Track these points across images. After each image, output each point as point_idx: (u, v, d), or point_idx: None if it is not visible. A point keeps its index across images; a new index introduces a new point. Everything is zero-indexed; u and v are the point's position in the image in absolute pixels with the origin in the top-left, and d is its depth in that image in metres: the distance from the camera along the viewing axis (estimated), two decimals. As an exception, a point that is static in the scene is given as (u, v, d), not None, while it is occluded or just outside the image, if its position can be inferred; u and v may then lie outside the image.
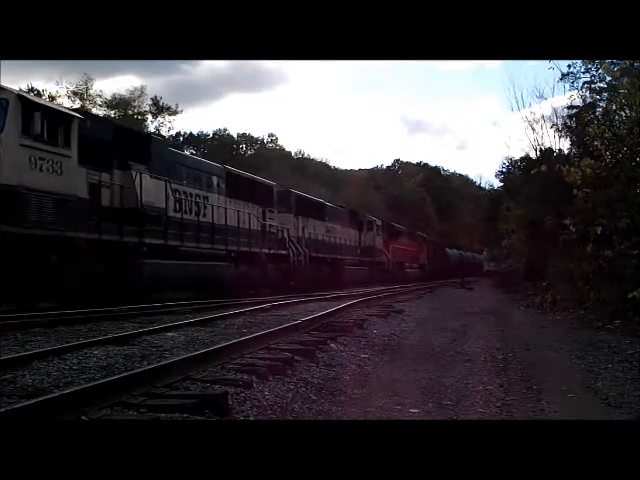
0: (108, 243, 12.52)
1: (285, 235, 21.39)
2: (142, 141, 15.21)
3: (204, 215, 16.26)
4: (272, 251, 19.94)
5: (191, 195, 15.94)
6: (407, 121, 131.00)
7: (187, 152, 38.19)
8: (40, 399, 3.49)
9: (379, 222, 34.16)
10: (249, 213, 18.64)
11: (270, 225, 20.36)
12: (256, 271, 18.53)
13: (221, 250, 16.74)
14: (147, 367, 4.86)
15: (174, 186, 15.08)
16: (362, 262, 30.26)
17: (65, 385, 4.46)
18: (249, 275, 17.91)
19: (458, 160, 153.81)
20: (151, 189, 13.96)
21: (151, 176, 14.04)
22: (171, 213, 14.79)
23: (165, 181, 14.55)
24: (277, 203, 21.38)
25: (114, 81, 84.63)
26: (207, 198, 16.57)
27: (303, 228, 23.24)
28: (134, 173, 13.46)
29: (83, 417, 3.45)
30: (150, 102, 48.25)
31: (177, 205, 15.16)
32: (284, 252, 20.91)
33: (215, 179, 17.36)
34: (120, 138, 13.62)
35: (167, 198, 14.58)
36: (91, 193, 12.24)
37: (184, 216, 15.34)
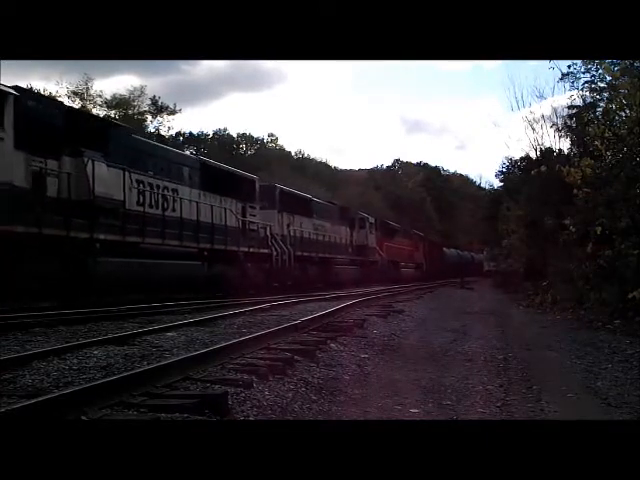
0: (51, 238, 11.01)
1: (268, 233, 20.00)
2: (99, 126, 13.72)
3: (173, 209, 14.84)
4: (252, 250, 18.46)
5: (158, 187, 14.45)
6: (406, 121, 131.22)
7: (187, 149, 37.66)
8: (40, 399, 3.48)
9: (372, 219, 32.90)
10: (225, 208, 17.22)
11: (250, 222, 18.94)
12: (233, 271, 17.23)
13: (192, 248, 15.44)
14: (147, 367, 4.86)
15: (137, 177, 13.63)
16: (353, 261, 29.13)
17: (65, 385, 4.46)
18: (225, 275, 16.66)
19: (458, 160, 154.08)
20: (106, 179, 12.48)
21: (108, 165, 12.61)
22: (132, 206, 13.30)
23: (124, 170, 13.08)
24: (260, 198, 20.09)
25: (113, 81, 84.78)
26: (177, 191, 15.16)
27: (288, 225, 21.99)
28: (87, 160, 11.99)
29: (83, 417, 3.45)
30: (149, 102, 48.32)
31: (140, 198, 13.68)
32: (265, 251, 19.46)
33: (187, 171, 16.01)
34: (72, 122, 12.10)
35: (126, 189, 13.09)
36: (34, 182, 10.84)
37: (148, 210, 13.86)
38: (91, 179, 12.00)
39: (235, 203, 18.05)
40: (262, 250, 19.22)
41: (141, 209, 13.61)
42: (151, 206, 14.09)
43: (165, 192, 14.69)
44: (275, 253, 20.03)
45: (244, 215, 18.56)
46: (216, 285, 16.06)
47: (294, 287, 19.80)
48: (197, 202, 15.85)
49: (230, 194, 17.69)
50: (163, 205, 14.56)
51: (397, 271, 36.28)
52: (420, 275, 40.81)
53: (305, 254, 22.66)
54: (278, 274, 20.04)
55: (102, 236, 12.28)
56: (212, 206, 16.48)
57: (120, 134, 14.19)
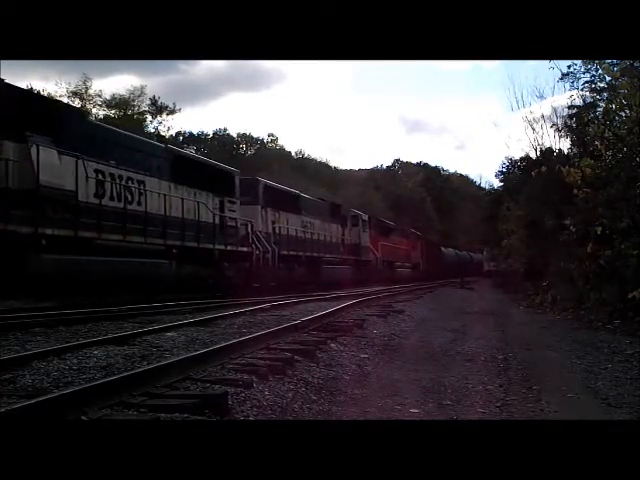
0: None
1: (249, 230, 18.56)
2: (49, 109, 12.30)
3: (139, 203, 13.48)
4: (229, 247, 17.08)
5: (120, 178, 13.04)
6: (405, 121, 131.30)
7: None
8: (40, 399, 3.48)
9: (365, 217, 31.30)
10: (199, 202, 15.85)
11: (229, 218, 17.52)
12: (207, 271, 16.02)
13: (158, 245, 14.00)
14: (147, 367, 4.86)
15: (94, 165, 12.23)
16: (345, 261, 27.63)
17: (65, 385, 4.46)
18: (198, 275, 15.52)
19: (458, 160, 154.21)
20: (56, 167, 11.21)
21: (58, 151, 11.34)
22: (88, 198, 11.92)
23: (78, 158, 11.73)
24: (241, 193, 18.62)
25: (112, 81, 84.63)
26: (143, 183, 13.74)
27: (273, 222, 20.64)
28: (31, 145, 10.75)
29: (83, 417, 3.45)
30: (149, 102, 48.34)
31: (99, 189, 12.31)
32: (245, 249, 18.02)
33: (155, 161, 14.56)
34: (16, 103, 10.88)
35: (80, 179, 11.70)
36: None
37: (108, 203, 12.51)
38: (36, 166, 10.69)
39: (211, 197, 16.67)
40: (241, 248, 17.84)
41: (97, 201, 12.20)
42: (112, 198, 12.71)
43: (129, 184, 13.31)
44: (258, 252, 18.67)
45: (222, 210, 17.19)
46: (188, 285, 14.91)
47: (278, 288, 18.49)
48: (166, 195, 14.43)
49: (205, 187, 16.35)
50: (126, 198, 13.17)
51: (392, 271, 35.10)
52: (417, 275, 39.70)
53: (291, 253, 21.40)
54: (260, 274, 18.71)
55: (49, 231, 10.96)
56: (183, 199, 15.09)
57: (75, 118, 12.80)
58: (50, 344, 6.43)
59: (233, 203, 17.95)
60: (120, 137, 14.39)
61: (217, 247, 16.52)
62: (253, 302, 13.17)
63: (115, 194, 12.87)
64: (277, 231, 20.70)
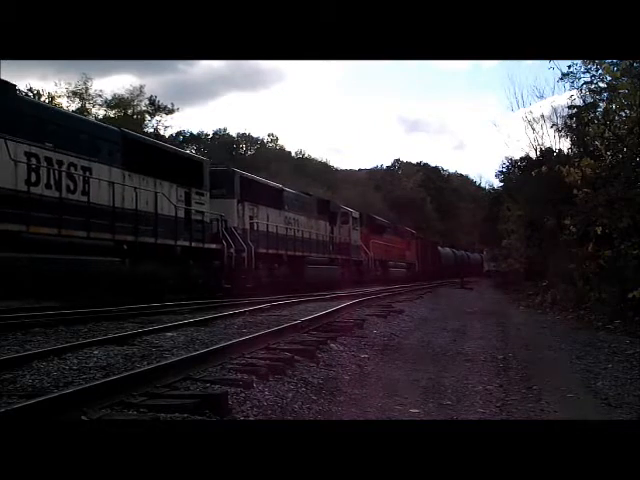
0: None
1: (220, 225, 17.03)
2: None
3: (83, 192, 11.88)
4: (194, 244, 15.47)
5: (60, 163, 11.45)
6: (404, 120, 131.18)
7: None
8: (40, 399, 3.48)
9: (356, 214, 29.75)
10: (157, 193, 14.16)
11: (196, 211, 15.91)
12: (168, 270, 14.28)
13: (105, 240, 12.31)
14: (147, 367, 4.86)
15: (26, 148, 10.74)
16: (333, 260, 25.92)
17: (65, 385, 4.46)
18: (155, 275, 13.74)
19: (457, 160, 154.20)
20: None
21: None
22: (13, 185, 10.46)
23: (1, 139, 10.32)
24: (215, 185, 17.27)
25: (110, 80, 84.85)
26: (89, 169, 12.12)
27: (251, 217, 19.02)
28: None
29: (83, 417, 3.45)
30: (147, 102, 48.29)
31: (32, 175, 10.82)
32: (214, 246, 16.39)
33: (106, 145, 12.89)
34: None
35: (3, 163, 10.30)
36: None
37: (40, 191, 10.92)
38: None
39: (175, 188, 15.06)
40: (210, 245, 16.23)
41: (26, 189, 10.62)
42: (49, 187, 11.14)
43: (73, 170, 11.75)
44: (231, 250, 16.96)
45: (188, 203, 15.61)
46: (143, 286, 13.26)
47: (255, 289, 17.21)
48: (115, 184, 12.73)
49: (168, 177, 14.70)
50: (68, 186, 11.61)
51: (386, 271, 33.57)
52: (412, 275, 38.41)
53: (271, 252, 19.73)
54: (233, 274, 17.03)
55: None
56: (137, 189, 13.40)
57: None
58: (50, 344, 6.44)
59: (201, 195, 16.34)
60: (60, 116, 12.80)
61: (179, 243, 14.86)
62: (253, 302, 13.18)
63: (52, 182, 11.28)
64: (255, 227, 19.09)
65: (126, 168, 13.33)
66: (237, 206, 18.36)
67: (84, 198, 11.92)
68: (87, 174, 12.09)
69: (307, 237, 23.17)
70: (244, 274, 17.57)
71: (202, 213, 16.24)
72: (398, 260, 37.51)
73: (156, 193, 14.14)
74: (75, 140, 11.96)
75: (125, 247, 12.89)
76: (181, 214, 15.21)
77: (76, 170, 11.87)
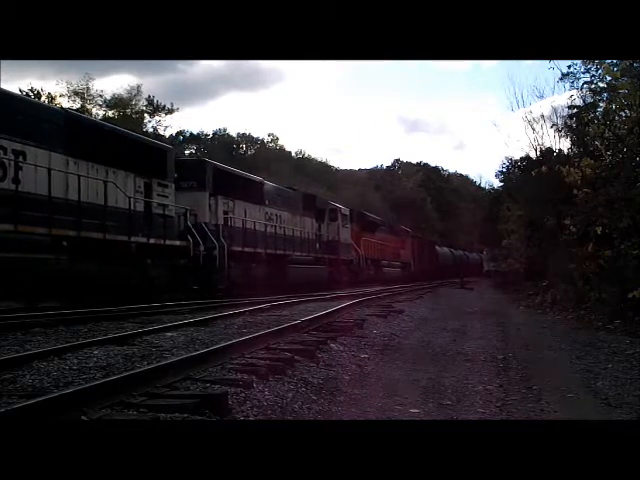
0: None
1: (188, 220, 15.46)
2: None
3: (14, 180, 10.47)
4: (153, 241, 13.73)
5: None
6: (404, 120, 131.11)
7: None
8: (40, 399, 3.48)
9: (346, 211, 28.01)
10: (107, 182, 12.52)
11: (158, 204, 14.27)
12: (121, 269, 12.70)
13: (39, 235, 10.76)
14: (147, 367, 4.86)
15: None
16: (320, 260, 24.20)
17: (65, 385, 4.46)
18: (104, 275, 12.11)
19: (457, 160, 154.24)
20: None
21: None
22: None
23: None
24: (185, 177, 15.95)
25: (109, 80, 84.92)
26: (22, 154, 10.68)
27: (226, 212, 17.41)
28: None
29: (83, 417, 3.46)
30: (146, 102, 48.26)
31: None
32: (177, 243, 14.75)
33: (46, 128, 11.36)
34: None
35: None
36: None
37: None
38: None
39: (132, 178, 13.39)
40: (173, 242, 14.53)
41: None
42: None
43: None
44: (201, 247, 15.40)
45: (148, 195, 13.96)
46: (88, 286, 11.70)
47: (229, 291, 16.05)
48: (54, 171, 11.19)
49: (123, 165, 13.07)
50: None
51: (378, 271, 31.81)
52: (407, 276, 36.78)
53: (247, 250, 17.98)
54: (201, 274, 15.45)
55: None
56: (81, 178, 11.77)
57: None
58: (50, 344, 6.44)
59: (165, 187, 14.71)
60: None
61: (135, 240, 13.11)
62: (253, 302, 13.18)
63: None
64: (230, 223, 17.44)
65: (70, 154, 11.76)
66: (209, 199, 16.77)
67: (12, 187, 10.42)
68: (19, 159, 10.61)
69: (290, 235, 21.58)
70: (216, 274, 16.06)
71: (165, 206, 14.57)
72: (392, 259, 36.01)
73: (106, 183, 12.49)
74: (7, 121, 10.55)
75: (65, 243, 11.31)
76: (140, 207, 13.56)
77: (6, 154, 10.37)
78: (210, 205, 16.81)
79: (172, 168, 15.26)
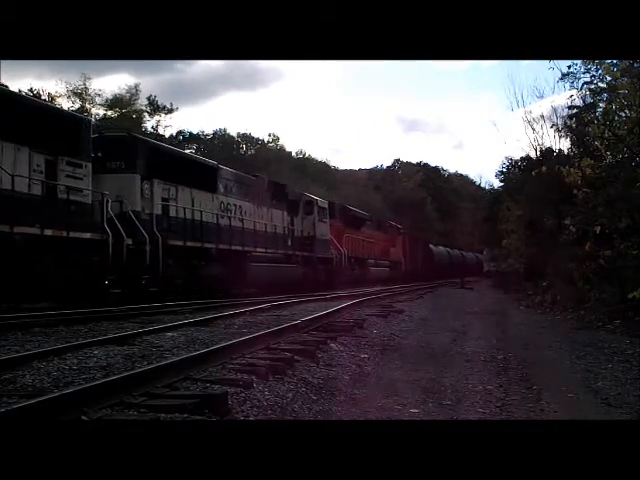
0: None
1: (108, 208, 12.53)
2: None
3: None
4: (54, 233, 11.07)
5: None
6: (402, 120, 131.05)
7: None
8: (40, 399, 3.48)
9: (324, 203, 24.86)
10: None
11: (66, 187, 11.53)
12: (17, 266, 10.37)
13: None
14: (147, 367, 4.86)
15: None
16: (291, 257, 21.36)
17: (65, 385, 4.46)
18: None
19: (457, 160, 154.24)
20: None
21: None
22: None
23: None
24: (111, 156, 13.38)
25: (108, 80, 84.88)
26: None
27: (165, 200, 14.68)
28: None
29: (83, 417, 3.46)
30: (146, 102, 48.28)
31: None
32: (88, 235, 11.89)
33: None
34: None
35: None
36: None
37: None
38: None
39: (27, 154, 10.80)
40: (81, 235, 11.69)
41: None
42: None
43: None
44: (128, 241, 12.71)
45: (51, 176, 11.35)
46: None
47: (164, 293, 13.56)
48: None
49: (11, 138, 10.51)
50: None
51: (364, 271, 29.26)
52: (397, 276, 34.08)
53: (191, 244, 15.20)
54: (122, 271, 12.59)
55: None
56: None
57: None
58: (50, 344, 6.44)
59: (78, 166, 11.94)
60: None
61: (26, 230, 10.53)
62: (253, 302, 13.18)
63: None
64: (171, 213, 14.82)
65: None
66: (141, 184, 13.92)
67: None
68: None
69: (251, 228, 18.54)
70: (147, 273, 13.42)
71: (78, 191, 11.81)
72: (380, 258, 32.97)
73: None
74: None
75: None
76: (36, 190, 10.95)
77: None
78: (143, 190, 13.98)
79: (89, 143, 12.38)
